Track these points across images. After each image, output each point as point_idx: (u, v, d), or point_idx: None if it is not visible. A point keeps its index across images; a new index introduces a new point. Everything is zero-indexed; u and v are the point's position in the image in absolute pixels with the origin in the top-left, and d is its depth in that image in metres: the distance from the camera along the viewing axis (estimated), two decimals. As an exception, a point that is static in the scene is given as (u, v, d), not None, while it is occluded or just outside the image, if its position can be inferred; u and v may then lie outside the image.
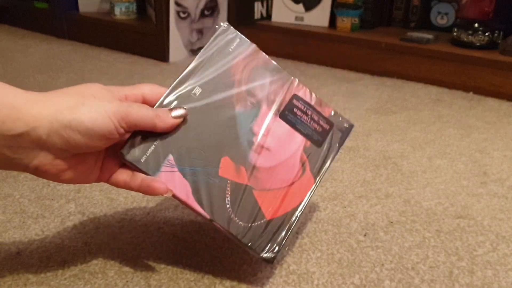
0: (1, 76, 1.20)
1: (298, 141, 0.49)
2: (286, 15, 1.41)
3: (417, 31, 1.28)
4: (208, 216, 0.44)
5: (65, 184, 0.66)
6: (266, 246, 0.45)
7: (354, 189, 0.67)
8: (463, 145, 0.83)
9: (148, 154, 0.43)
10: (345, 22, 1.31)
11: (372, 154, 0.79)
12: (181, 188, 0.44)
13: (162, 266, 0.50)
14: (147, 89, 0.46)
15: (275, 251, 0.45)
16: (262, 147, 0.47)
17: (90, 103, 0.40)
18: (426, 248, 0.55)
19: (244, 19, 1.44)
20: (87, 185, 0.66)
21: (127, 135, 0.44)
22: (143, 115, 0.42)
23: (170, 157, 0.44)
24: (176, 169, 0.44)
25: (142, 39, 1.39)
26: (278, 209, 0.47)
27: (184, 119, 0.45)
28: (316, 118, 0.51)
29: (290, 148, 0.49)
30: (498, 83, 1.08)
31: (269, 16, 1.46)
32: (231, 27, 0.50)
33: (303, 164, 0.49)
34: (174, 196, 0.44)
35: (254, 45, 0.50)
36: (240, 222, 0.45)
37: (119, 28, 1.45)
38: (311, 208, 0.62)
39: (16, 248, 0.53)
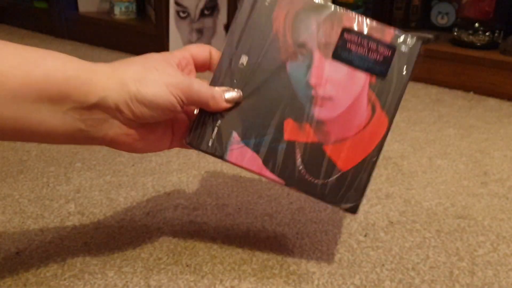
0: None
1: (361, 79, 0.44)
2: (286, 15, 1.41)
3: (417, 31, 1.28)
4: (283, 183, 0.44)
5: (64, 184, 0.66)
6: (346, 197, 0.44)
7: (354, 189, 0.67)
8: (463, 145, 0.83)
9: (213, 137, 0.44)
10: (345, 22, 1.31)
11: (372, 154, 0.79)
12: (252, 161, 0.44)
13: (162, 266, 0.50)
14: (195, 49, 0.46)
15: (357, 199, 0.45)
16: (323, 98, 0.44)
17: (153, 76, 0.41)
18: (427, 248, 0.55)
19: (244, 19, 1.43)
20: (87, 185, 0.66)
21: (189, 110, 0.46)
22: (201, 93, 0.43)
23: (234, 134, 0.44)
24: (242, 145, 0.44)
25: (142, 39, 1.39)
26: (353, 158, 0.45)
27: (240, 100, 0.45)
28: (374, 47, 0.45)
29: (354, 90, 0.44)
30: (499, 83, 1.08)
31: (269, 16, 1.46)
32: None
33: (372, 104, 0.45)
34: (247, 169, 0.45)
35: None
36: (316, 181, 0.44)
37: (119, 28, 1.45)
38: (311, 208, 0.62)
39: (16, 248, 0.53)
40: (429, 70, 1.17)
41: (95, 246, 0.53)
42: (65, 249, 0.53)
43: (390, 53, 0.45)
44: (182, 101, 0.42)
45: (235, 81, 0.45)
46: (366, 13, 1.34)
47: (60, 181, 0.67)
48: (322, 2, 0.45)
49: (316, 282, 0.48)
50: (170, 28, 1.30)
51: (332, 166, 0.45)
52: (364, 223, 0.59)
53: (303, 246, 0.54)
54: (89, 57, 1.37)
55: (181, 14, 1.32)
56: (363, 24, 0.45)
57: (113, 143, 0.43)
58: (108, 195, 0.64)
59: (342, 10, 0.45)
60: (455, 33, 1.18)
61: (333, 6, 0.45)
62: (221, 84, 0.45)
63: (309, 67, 0.44)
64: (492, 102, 1.05)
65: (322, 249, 0.54)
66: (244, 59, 0.45)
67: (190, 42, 1.38)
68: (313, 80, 0.44)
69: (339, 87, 0.44)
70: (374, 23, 0.45)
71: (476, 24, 1.14)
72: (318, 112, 0.44)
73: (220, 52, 0.46)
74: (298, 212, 0.61)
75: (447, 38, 1.22)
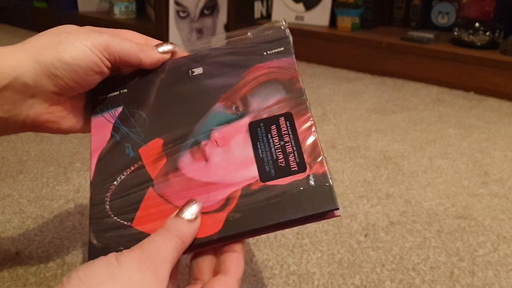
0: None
1: (248, 174, 0.36)
2: (286, 15, 1.41)
3: (417, 30, 1.28)
4: (91, 179, 0.39)
5: (64, 184, 0.66)
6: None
7: (354, 189, 0.67)
8: (464, 145, 0.83)
9: (107, 96, 0.41)
10: (346, 22, 1.31)
11: (372, 154, 0.78)
12: (99, 136, 0.40)
13: (162, 266, 0.50)
14: (130, 35, 0.43)
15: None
16: (203, 154, 0.38)
17: (67, 40, 0.37)
18: (427, 248, 0.54)
19: (244, 18, 1.43)
20: (87, 185, 0.66)
21: (116, 71, 0.42)
22: (126, 47, 0.39)
23: (119, 109, 0.41)
24: (112, 121, 0.40)
25: (142, 38, 1.39)
26: (155, 224, 0.35)
27: (172, 54, 0.42)
28: (289, 150, 0.36)
29: (230, 176, 0.36)
30: (499, 83, 1.08)
31: (269, 15, 1.46)
32: (288, 32, 0.44)
33: (227, 202, 0.35)
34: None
35: (293, 59, 0.42)
36: (108, 211, 0.38)
37: (118, 28, 1.45)
38: (312, 208, 0.62)
39: (15, 248, 0.53)
40: (430, 70, 1.16)
41: (95, 246, 0.53)
42: (64, 250, 0.53)
43: (298, 171, 0.36)
44: (106, 58, 0.38)
45: (172, 47, 0.42)
46: (367, 12, 1.33)
47: (60, 181, 0.67)
48: (302, 90, 0.39)
49: (316, 282, 0.48)
50: (170, 27, 1.30)
51: (133, 211, 0.36)
52: (365, 223, 0.59)
53: (303, 246, 0.54)
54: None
55: (181, 14, 1.32)
56: (310, 132, 0.37)
57: (37, 126, 0.39)
58: (108, 195, 0.64)
59: (306, 107, 0.38)
60: (456, 33, 1.18)
61: (304, 99, 0.39)
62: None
63: (227, 122, 0.39)
64: (492, 102, 1.05)
65: (322, 249, 0.54)
66: (198, 70, 0.42)
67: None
68: (215, 134, 0.38)
69: (224, 162, 0.37)
70: (317, 144, 0.36)
71: (477, 24, 1.14)
72: (184, 163, 0.38)
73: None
74: (298, 212, 0.61)
75: (447, 38, 1.22)
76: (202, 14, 1.37)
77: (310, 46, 1.33)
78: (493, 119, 0.95)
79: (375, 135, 0.86)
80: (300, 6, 1.39)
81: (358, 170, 0.73)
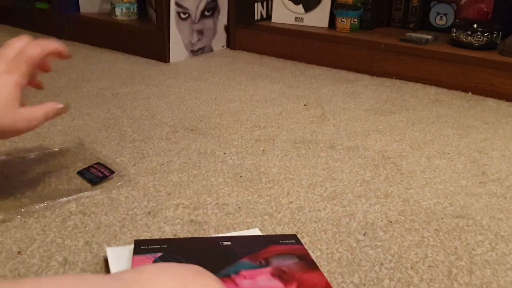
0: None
1: None
2: (286, 16, 1.41)
3: (416, 31, 1.28)
4: None
5: (65, 184, 0.66)
6: None
7: (353, 188, 0.68)
8: (462, 145, 0.83)
9: (149, 247, 0.49)
10: (345, 23, 1.32)
11: (371, 154, 0.79)
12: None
13: (163, 265, 0.50)
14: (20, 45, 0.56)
15: None
16: (234, 282, 0.45)
17: None
18: (425, 247, 0.55)
19: (244, 19, 1.44)
20: (88, 184, 0.66)
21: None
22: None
23: (159, 254, 0.48)
24: (153, 258, 0.47)
25: (143, 40, 1.39)
26: None
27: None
28: None
29: None
30: (497, 83, 1.08)
31: (269, 16, 1.46)
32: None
33: None
34: None
35: (303, 246, 0.52)
36: None
37: (120, 29, 1.45)
38: (311, 208, 0.62)
39: (17, 247, 0.53)
40: (428, 71, 1.17)
41: (97, 245, 0.54)
42: (66, 248, 0.53)
43: None
44: None
45: None
46: (366, 13, 1.34)
47: (61, 181, 0.67)
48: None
49: (315, 280, 0.49)
50: (170, 29, 1.31)
51: None
52: (363, 222, 0.59)
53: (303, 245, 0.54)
54: (90, 58, 1.37)
55: (182, 15, 1.33)
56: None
57: None
58: (109, 195, 0.64)
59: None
60: (454, 34, 1.18)
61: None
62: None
63: (253, 268, 0.47)
64: (490, 102, 1.06)
65: (321, 248, 0.54)
66: (226, 243, 0.51)
67: (191, 43, 1.38)
68: (244, 272, 0.47)
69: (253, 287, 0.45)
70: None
71: (475, 25, 1.15)
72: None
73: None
74: (297, 211, 0.62)
75: (446, 39, 1.23)
76: (202, 16, 1.38)
77: (310, 47, 1.33)
78: (491, 119, 0.96)
79: (373, 135, 0.87)
80: (300, 8, 1.40)
81: (357, 169, 0.73)
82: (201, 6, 1.37)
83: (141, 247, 0.49)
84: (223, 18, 1.44)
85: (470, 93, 1.12)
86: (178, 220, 0.59)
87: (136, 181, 0.68)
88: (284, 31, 1.36)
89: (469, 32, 1.15)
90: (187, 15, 1.34)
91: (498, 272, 0.51)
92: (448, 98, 1.08)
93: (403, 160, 0.77)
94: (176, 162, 0.74)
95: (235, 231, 0.57)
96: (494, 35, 1.14)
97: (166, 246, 0.49)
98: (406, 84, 1.18)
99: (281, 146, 0.81)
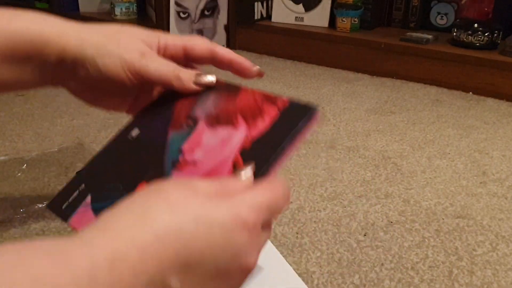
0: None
1: (233, 145, 0.40)
2: (286, 16, 1.41)
3: (416, 31, 1.28)
4: None
5: (65, 183, 0.66)
6: None
7: (353, 189, 0.68)
8: (462, 145, 0.83)
9: (69, 201, 0.42)
10: (345, 23, 1.32)
11: (371, 154, 0.79)
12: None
13: (163, 265, 0.50)
14: (190, 42, 0.44)
15: None
16: (187, 162, 0.40)
17: (111, 47, 0.40)
18: (426, 247, 0.55)
19: (244, 19, 1.44)
20: (88, 185, 0.66)
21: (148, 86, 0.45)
22: (162, 71, 0.41)
23: (88, 198, 0.42)
24: (89, 208, 0.41)
25: (142, 39, 1.39)
26: None
27: (213, 85, 0.43)
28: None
29: (221, 155, 0.40)
30: (498, 83, 1.08)
31: (269, 16, 1.46)
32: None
33: (235, 167, 0.38)
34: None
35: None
36: None
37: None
38: (311, 208, 0.62)
39: (17, 247, 0.53)
40: (428, 71, 1.17)
41: (96, 245, 0.53)
42: (66, 249, 0.53)
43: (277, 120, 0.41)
44: (135, 80, 0.41)
45: (212, 77, 0.44)
46: (366, 13, 1.34)
47: (61, 181, 0.67)
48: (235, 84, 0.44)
49: (315, 281, 0.49)
50: (170, 28, 1.31)
51: None
52: (364, 223, 0.59)
53: (303, 245, 0.54)
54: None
55: (182, 15, 1.33)
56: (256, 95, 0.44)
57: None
58: (109, 195, 0.64)
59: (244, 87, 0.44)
60: (454, 34, 1.18)
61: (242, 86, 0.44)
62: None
63: (188, 135, 0.42)
64: (491, 102, 1.06)
65: (321, 248, 0.54)
66: (135, 132, 0.45)
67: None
68: (185, 147, 0.41)
69: (208, 153, 0.40)
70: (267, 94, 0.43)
71: (475, 25, 1.14)
72: (175, 176, 0.40)
73: (225, 49, 0.45)
74: (298, 211, 0.61)
75: (446, 39, 1.23)
76: (202, 15, 1.38)
77: (310, 47, 1.33)
78: (491, 119, 0.96)
79: (374, 135, 0.86)
80: (300, 7, 1.39)
81: (357, 170, 0.73)
82: (201, 6, 1.36)
83: (62, 208, 0.43)
84: (223, 17, 1.44)
85: (470, 93, 1.12)
86: (178, 220, 0.59)
87: (136, 181, 0.68)
88: (284, 31, 1.36)
89: (469, 32, 1.15)
90: (186, 14, 1.34)
91: (499, 273, 0.51)
92: (448, 98, 1.08)
93: (404, 160, 0.77)
94: (176, 162, 0.74)
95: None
96: (495, 34, 1.14)
97: (83, 185, 0.43)
98: (407, 84, 1.18)
99: (281, 146, 0.81)
